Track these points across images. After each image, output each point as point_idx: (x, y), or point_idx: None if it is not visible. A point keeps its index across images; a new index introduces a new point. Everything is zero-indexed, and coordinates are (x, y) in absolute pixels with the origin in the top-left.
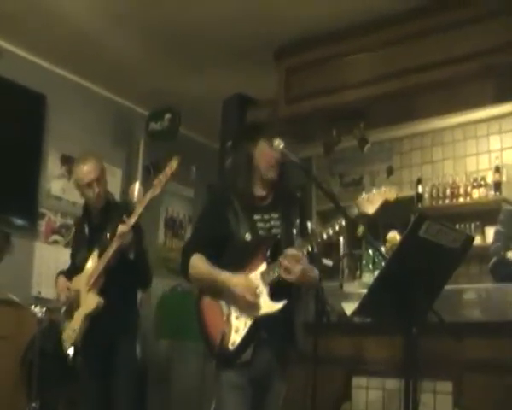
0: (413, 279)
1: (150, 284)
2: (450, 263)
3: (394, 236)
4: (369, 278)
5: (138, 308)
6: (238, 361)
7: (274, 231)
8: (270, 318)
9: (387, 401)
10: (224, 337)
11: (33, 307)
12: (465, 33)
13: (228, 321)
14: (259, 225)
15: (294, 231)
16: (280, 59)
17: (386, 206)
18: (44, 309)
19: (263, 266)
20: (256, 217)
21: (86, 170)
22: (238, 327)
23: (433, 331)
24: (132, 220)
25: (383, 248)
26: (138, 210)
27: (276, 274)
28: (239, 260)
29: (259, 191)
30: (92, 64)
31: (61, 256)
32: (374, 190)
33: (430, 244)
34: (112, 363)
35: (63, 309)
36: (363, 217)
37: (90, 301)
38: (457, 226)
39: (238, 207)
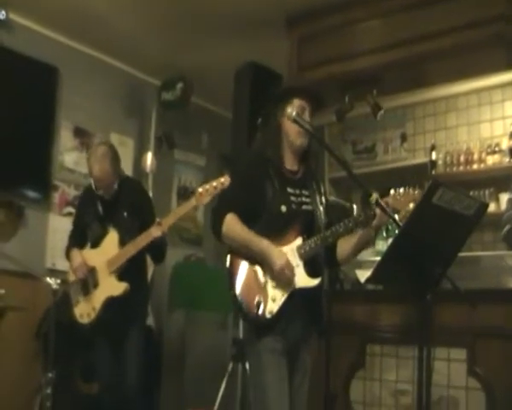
0: (427, 246)
1: (164, 258)
2: (463, 230)
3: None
4: (382, 245)
5: (149, 283)
6: (275, 329)
7: (304, 207)
8: (304, 291)
9: (401, 368)
10: (261, 305)
11: (48, 278)
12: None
13: (264, 289)
14: (292, 199)
15: (322, 210)
16: (292, 27)
17: None
18: (59, 281)
19: (298, 241)
20: (289, 190)
21: (96, 170)
22: (275, 296)
23: (447, 299)
24: (166, 226)
25: (397, 216)
26: (177, 214)
27: (313, 248)
28: (273, 231)
29: (291, 165)
30: (104, 36)
31: None
32: (401, 190)
33: (444, 211)
34: (122, 339)
35: (72, 279)
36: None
37: (116, 286)
38: (471, 193)
39: (274, 178)
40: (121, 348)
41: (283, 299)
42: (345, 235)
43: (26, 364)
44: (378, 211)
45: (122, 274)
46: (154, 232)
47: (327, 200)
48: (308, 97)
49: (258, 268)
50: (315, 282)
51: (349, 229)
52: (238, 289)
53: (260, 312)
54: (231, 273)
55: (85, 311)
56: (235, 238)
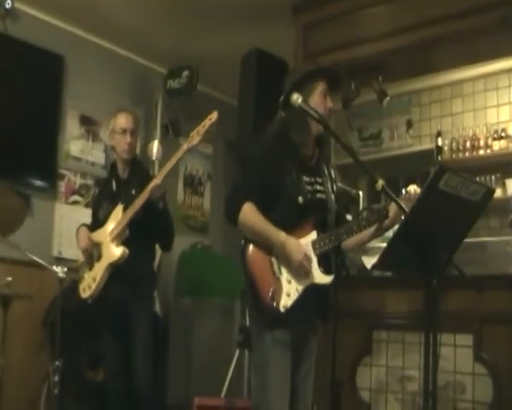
0: (433, 232)
1: (172, 244)
2: (470, 216)
3: (414, 188)
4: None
5: (155, 269)
6: (285, 323)
7: (318, 196)
8: (316, 287)
9: (407, 354)
10: (275, 298)
11: (54, 267)
12: None
13: (279, 281)
14: (308, 188)
15: (333, 197)
16: (297, 14)
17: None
18: (66, 269)
19: (313, 234)
20: (305, 179)
21: (126, 118)
22: (289, 291)
23: (454, 284)
24: (164, 172)
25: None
26: (172, 161)
27: (327, 245)
28: (289, 223)
29: (307, 150)
30: (109, 24)
31: (82, 216)
32: (412, 189)
33: (450, 197)
34: (129, 321)
35: (81, 260)
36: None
37: (114, 251)
38: (478, 179)
39: (292, 166)
40: (128, 333)
41: (298, 295)
42: (358, 233)
43: (33, 352)
44: (391, 212)
45: (128, 245)
46: (154, 181)
47: (337, 186)
48: (328, 80)
49: (273, 260)
50: (329, 279)
51: (362, 228)
52: (254, 279)
53: (274, 305)
54: (245, 262)
55: (87, 284)
56: (252, 228)
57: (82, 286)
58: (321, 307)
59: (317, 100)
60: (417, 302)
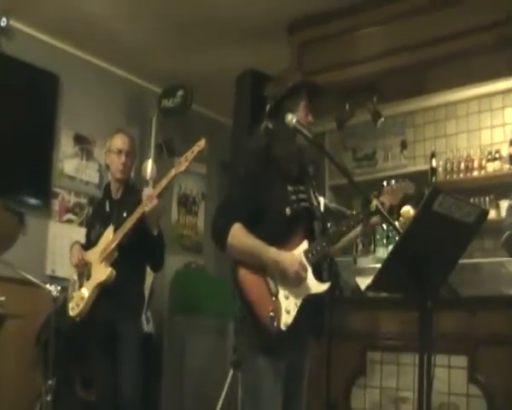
0: (427, 253)
1: (162, 266)
2: (464, 237)
3: (408, 210)
4: (382, 252)
5: (149, 288)
6: (284, 344)
7: (303, 204)
8: (312, 298)
9: (402, 375)
10: (275, 318)
11: (48, 285)
12: (478, 4)
13: (277, 300)
14: (292, 197)
15: (317, 203)
16: (292, 34)
17: (405, 199)
18: (59, 288)
19: (304, 244)
20: (289, 188)
21: (122, 139)
22: (288, 308)
23: (448, 306)
24: (157, 190)
25: (397, 223)
26: (163, 182)
27: (320, 251)
28: (278, 236)
29: (291, 160)
30: (105, 43)
31: (75, 235)
32: (393, 182)
33: (444, 218)
34: (116, 342)
35: (73, 280)
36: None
37: (102, 272)
38: (472, 200)
39: (277, 178)
40: (116, 353)
41: (297, 309)
42: (347, 233)
43: (26, 371)
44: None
45: (115, 266)
46: (147, 192)
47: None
48: (312, 95)
49: (268, 279)
50: (325, 287)
51: (351, 228)
52: (251, 302)
53: (275, 324)
54: (239, 286)
55: (76, 302)
56: (243, 250)
57: (71, 305)
58: (314, 322)
59: (301, 115)
60: (412, 323)
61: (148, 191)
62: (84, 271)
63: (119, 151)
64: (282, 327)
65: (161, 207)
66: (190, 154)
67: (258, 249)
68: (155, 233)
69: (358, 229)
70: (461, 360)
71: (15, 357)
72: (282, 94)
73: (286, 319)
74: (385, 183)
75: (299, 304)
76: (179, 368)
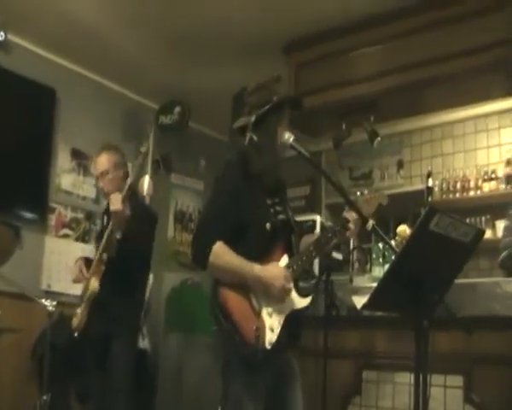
0: (423, 273)
1: (144, 270)
2: (460, 257)
3: (404, 229)
4: (378, 271)
5: (140, 302)
6: (268, 361)
7: (280, 217)
8: (294, 314)
9: (398, 394)
10: (260, 336)
11: (43, 300)
12: (475, 26)
13: (260, 318)
14: (271, 210)
15: (291, 215)
16: (289, 53)
17: (379, 209)
18: (54, 303)
19: (284, 259)
20: (268, 201)
21: (99, 161)
22: (272, 325)
23: (444, 325)
24: (122, 194)
25: (393, 242)
26: (123, 190)
27: (300, 266)
28: (259, 251)
29: (269, 174)
30: (102, 59)
31: (72, 250)
32: (366, 192)
33: (440, 238)
34: (108, 358)
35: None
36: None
37: (91, 288)
38: (468, 220)
39: (256, 192)
40: (107, 370)
41: (280, 327)
42: (326, 245)
43: (22, 385)
44: (351, 222)
45: (107, 280)
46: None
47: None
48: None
49: (251, 296)
50: (306, 302)
51: (330, 240)
52: (235, 321)
53: (260, 343)
54: (222, 306)
55: (76, 319)
56: (226, 269)
57: (74, 319)
58: (292, 334)
59: (285, 128)
60: (407, 343)
61: (114, 194)
62: (85, 286)
63: (100, 174)
64: (267, 346)
65: (126, 214)
66: (139, 163)
67: (241, 268)
68: (118, 237)
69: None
70: (457, 380)
71: (11, 371)
72: (268, 108)
73: (270, 338)
74: (358, 193)
75: (282, 321)
76: (175, 385)
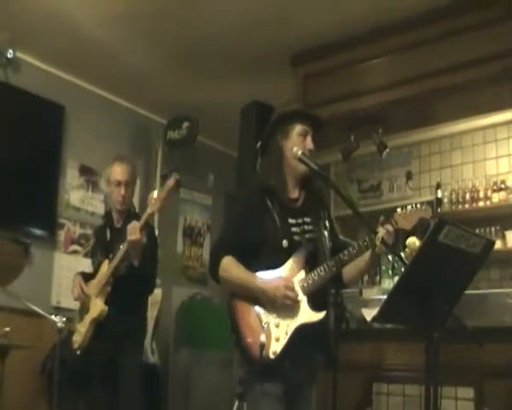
0: (433, 284)
1: (151, 292)
2: (470, 268)
3: (414, 241)
4: (388, 283)
5: (144, 319)
6: (278, 371)
7: (307, 236)
8: (308, 327)
9: (408, 407)
10: (265, 346)
11: (53, 316)
12: (483, 36)
13: (267, 329)
14: (294, 229)
15: (326, 234)
16: (297, 66)
17: (421, 223)
18: (64, 319)
19: (301, 274)
20: (291, 221)
21: (121, 169)
22: (279, 336)
23: (454, 337)
24: (140, 224)
25: (403, 254)
26: (141, 222)
27: (316, 281)
28: (275, 267)
29: (292, 192)
30: (110, 75)
31: (81, 266)
32: (409, 207)
33: (450, 249)
34: (113, 377)
35: (76, 311)
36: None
37: (96, 307)
38: (478, 231)
39: (273, 210)
40: (116, 386)
41: (287, 338)
42: (349, 262)
43: (32, 401)
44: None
45: (112, 300)
46: (130, 226)
47: (332, 222)
48: (309, 121)
49: (259, 309)
50: (319, 316)
51: (353, 256)
52: (241, 332)
53: (264, 353)
54: (233, 317)
55: (77, 337)
56: (233, 282)
57: (74, 337)
58: (321, 352)
59: (295, 141)
60: (418, 355)
61: (132, 224)
62: (85, 303)
63: (119, 183)
64: (271, 355)
65: (142, 241)
66: (162, 193)
67: (247, 281)
68: (136, 264)
69: (367, 257)
70: (468, 392)
71: (20, 387)
72: (269, 127)
73: (275, 348)
74: (399, 209)
75: (290, 332)
76: (184, 400)
